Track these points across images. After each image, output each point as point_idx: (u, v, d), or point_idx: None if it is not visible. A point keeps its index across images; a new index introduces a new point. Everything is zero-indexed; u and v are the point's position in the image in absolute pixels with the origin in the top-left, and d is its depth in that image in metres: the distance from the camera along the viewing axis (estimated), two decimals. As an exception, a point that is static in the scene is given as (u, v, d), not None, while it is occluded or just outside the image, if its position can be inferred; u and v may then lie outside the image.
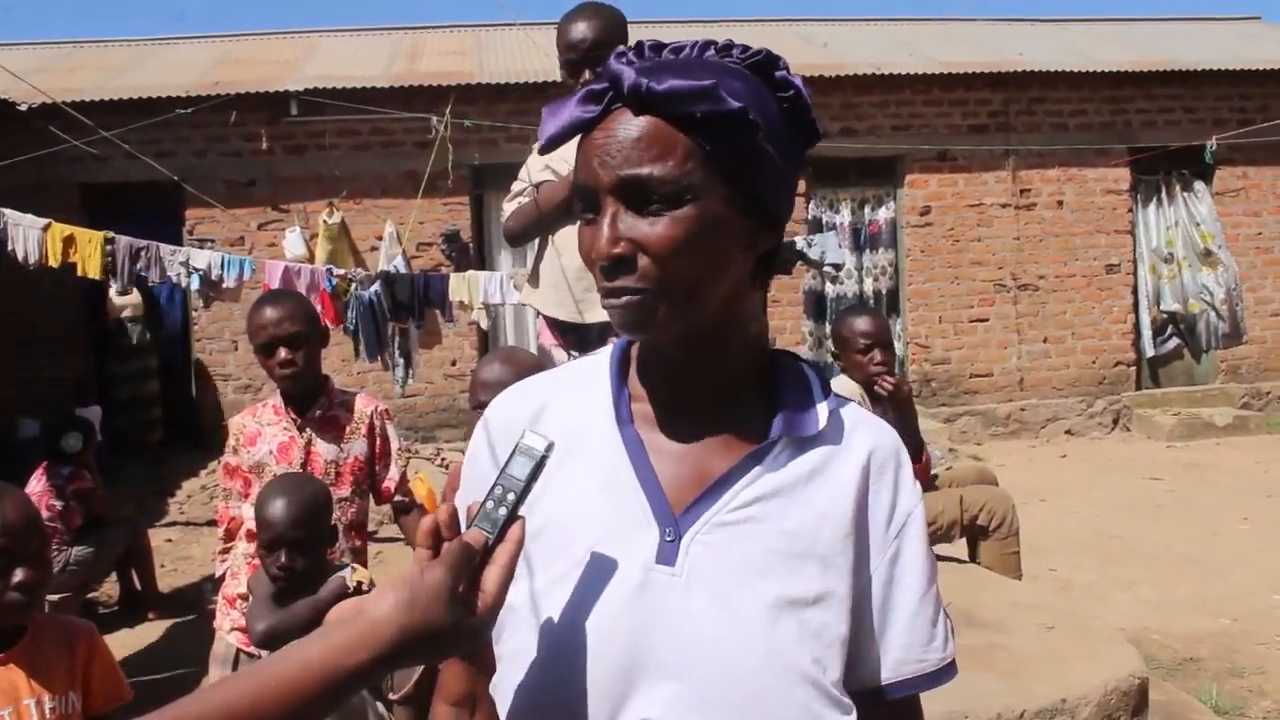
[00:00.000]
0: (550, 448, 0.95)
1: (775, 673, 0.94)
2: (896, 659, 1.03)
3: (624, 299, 0.95)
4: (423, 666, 2.27)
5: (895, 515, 1.03)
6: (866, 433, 1.06)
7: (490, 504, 0.94)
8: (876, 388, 4.01)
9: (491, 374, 2.48)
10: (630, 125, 0.93)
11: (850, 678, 1.00)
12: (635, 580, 0.96)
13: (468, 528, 0.93)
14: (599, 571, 0.97)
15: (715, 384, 1.04)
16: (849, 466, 1.03)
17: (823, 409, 1.04)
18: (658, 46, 0.98)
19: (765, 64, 0.98)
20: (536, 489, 0.96)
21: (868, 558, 1.02)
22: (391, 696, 2.50)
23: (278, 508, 2.59)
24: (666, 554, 0.97)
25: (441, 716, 1.11)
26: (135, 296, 9.03)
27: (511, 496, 0.94)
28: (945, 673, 1.06)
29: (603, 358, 1.10)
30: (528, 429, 0.97)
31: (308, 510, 2.60)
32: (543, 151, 1.01)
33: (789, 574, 0.97)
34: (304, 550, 2.59)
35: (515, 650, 0.98)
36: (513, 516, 0.94)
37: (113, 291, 8.08)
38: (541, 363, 2.66)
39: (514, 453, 0.95)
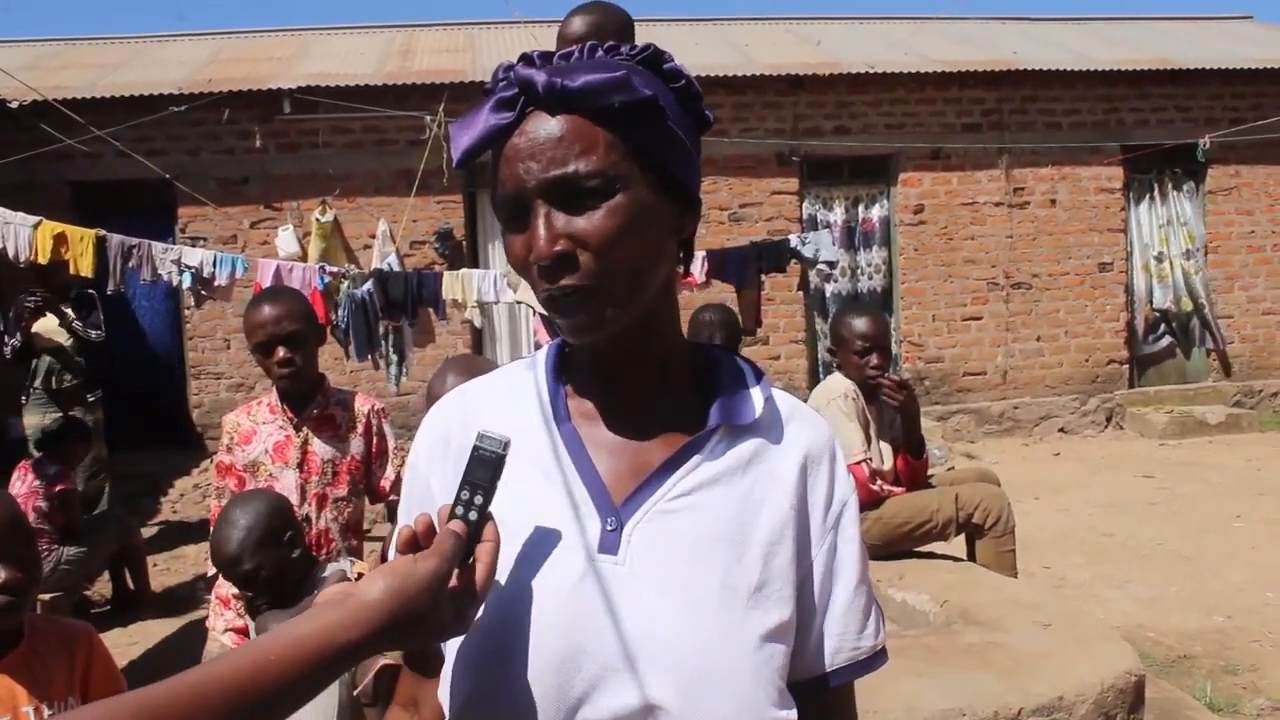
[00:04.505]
0: (507, 445, 0.96)
1: (723, 657, 0.95)
2: (833, 647, 1.05)
3: (571, 304, 0.95)
4: (378, 668, 2.28)
5: (832, 506, 1.06)
6: (802, 423, 1.08)
7: (459, 509, 0.95)
8: (884, 399, 4.03)
9: (445, 388, 2.40)
10: (549, 125, 0.94)
11: (790, 667, 1.01)
12: (578, 570, 0.97)
13: None
14: (542, 564, 0.98)
15: (650, 374, 1.05)
16: (786, 457, 1.05)
17: (758, 398, 1.06)
18: (546, 54, 0.99)
19: (654, 58, 1.00)
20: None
21: (809, 548, 1.04)
22: (355, 693, 2.48)
23: (218, 548, 2.55)
24: (609, 543, 0.98)
25: (394, 718, 1.13)
26: (48, 323, 7.01)
27: (479, 499, 0.95)
28: (877, 659, 1.09)
29: (538, 359, 1.11)
30: (482, 430, 0.97)
31: (249, 541, 2.52)
32: (458, 166, 1.01)
33: (732, 561, 0.99)
34: (258, 573, 2.54)
35: (462, 646, 0.99)
36: (483, 518, 0.95)
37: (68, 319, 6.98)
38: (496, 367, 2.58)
39: (473, 455, 0.96)
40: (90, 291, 6.99)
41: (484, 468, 0.95)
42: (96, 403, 7.31)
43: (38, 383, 7.01)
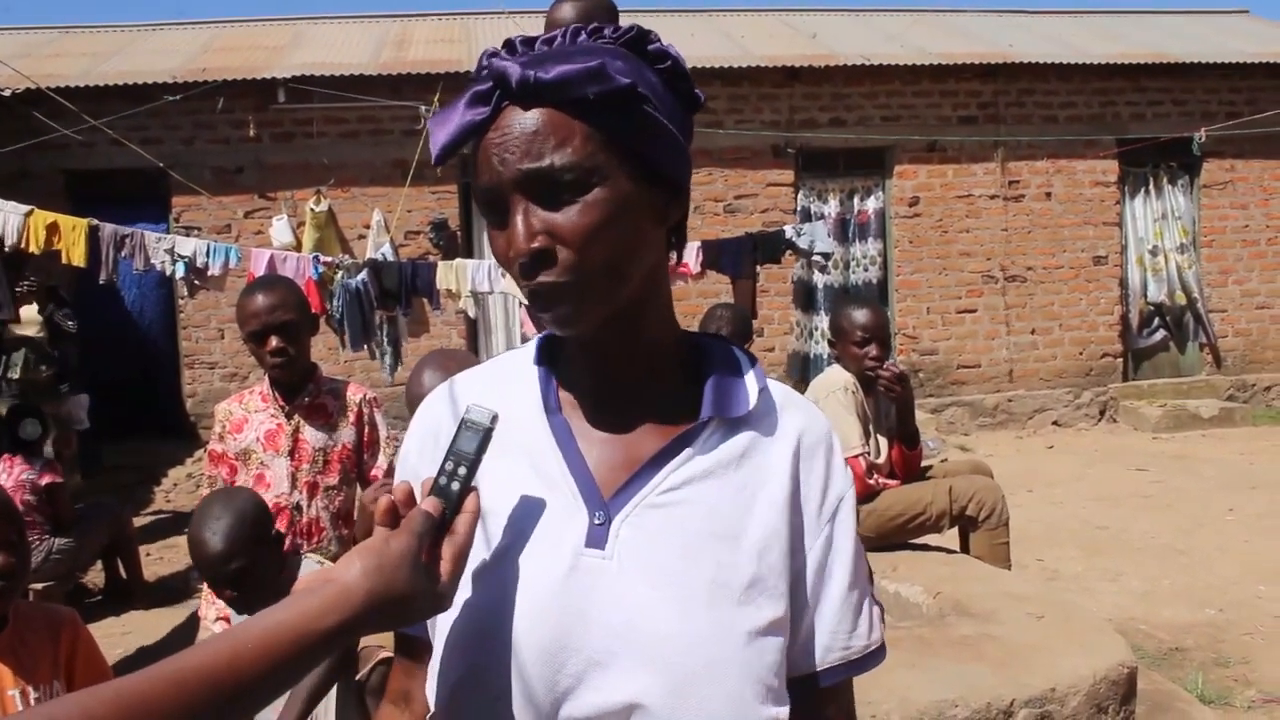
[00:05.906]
0: (495, 419, 0.95)
1: (711, 654, 0.93)
2: (825, 645, 1.03)
3: (549, 298, 0.94)
4: (376, 660, 2.26)
5: (828, 500, 1.03)
6: (797, 414, 1.06)
7: (442, 479, 0.94)
8: (882, 390, 4.03)
9: (423, 387, 2.28)
10: (524, 119, 0.92)
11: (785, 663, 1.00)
12: (565, 565, 0.96)
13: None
14: (529, 558, 0.97)
15: (640, 365, 1.04)
16: (780, 448, 1.03)
17: (752, 389, 1.04)
18: (529, 40, 0.97)
19: (638, 40, 0.98)
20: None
21: (802, 542, 1.02)
22: (356, 678, 2.46)
23: (203, 545, 2.38)
24: (596, 537, 0.97)
25: (385, 715, 1.12)
26: (29, 311, 6.91)
27: (463, 470, 0.94)
28: (873, 658, 1.06)
29: (528, 350, 1.10)
30: (471, 403, 0.97)
31: (235, 539, 2.36)
32: (436, 163, 1.00)
33: (722, 556, 0.97)
34: (250, 570, 2.40)
35: (447, 639, 0.98)
36: (465, 489, 0.94)
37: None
38: (475, 359, 2.52)
39: (460, 427, 0.95)
40: (54, 286, 6.95)
41: (470, 440, 0.95)
42: (65, 395, 7.26)
43: (15, 374, 6.92)
